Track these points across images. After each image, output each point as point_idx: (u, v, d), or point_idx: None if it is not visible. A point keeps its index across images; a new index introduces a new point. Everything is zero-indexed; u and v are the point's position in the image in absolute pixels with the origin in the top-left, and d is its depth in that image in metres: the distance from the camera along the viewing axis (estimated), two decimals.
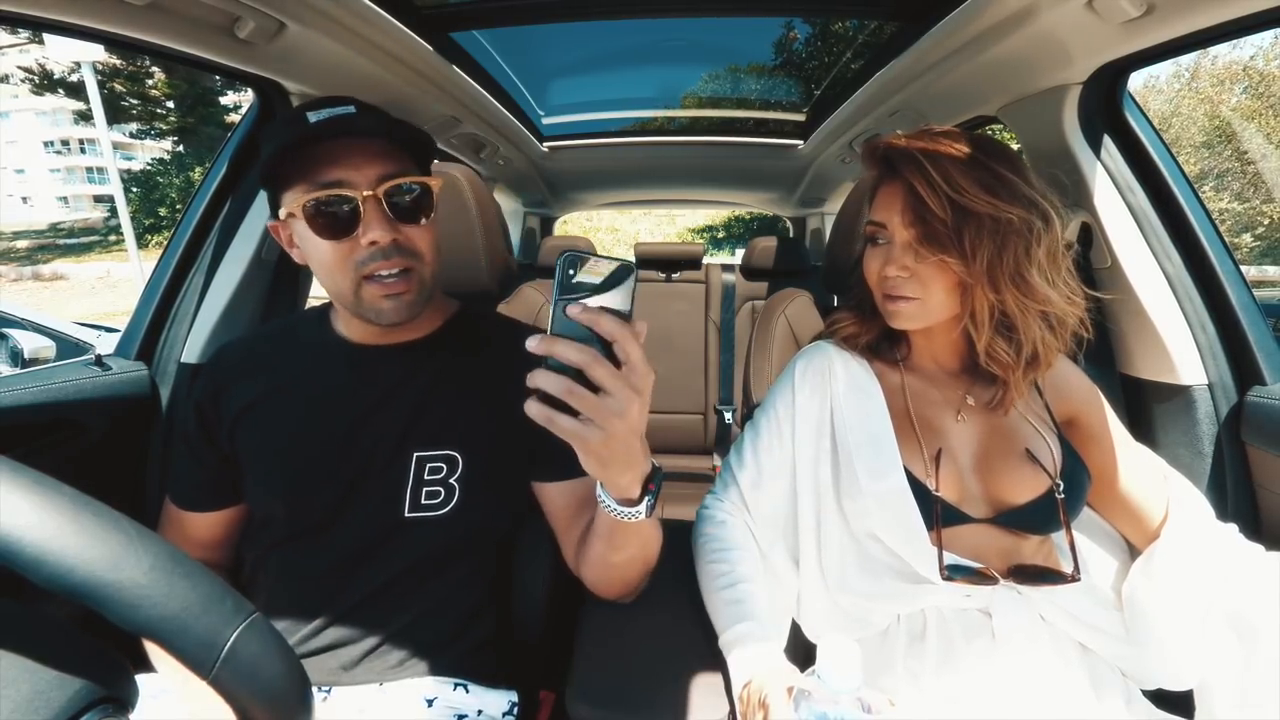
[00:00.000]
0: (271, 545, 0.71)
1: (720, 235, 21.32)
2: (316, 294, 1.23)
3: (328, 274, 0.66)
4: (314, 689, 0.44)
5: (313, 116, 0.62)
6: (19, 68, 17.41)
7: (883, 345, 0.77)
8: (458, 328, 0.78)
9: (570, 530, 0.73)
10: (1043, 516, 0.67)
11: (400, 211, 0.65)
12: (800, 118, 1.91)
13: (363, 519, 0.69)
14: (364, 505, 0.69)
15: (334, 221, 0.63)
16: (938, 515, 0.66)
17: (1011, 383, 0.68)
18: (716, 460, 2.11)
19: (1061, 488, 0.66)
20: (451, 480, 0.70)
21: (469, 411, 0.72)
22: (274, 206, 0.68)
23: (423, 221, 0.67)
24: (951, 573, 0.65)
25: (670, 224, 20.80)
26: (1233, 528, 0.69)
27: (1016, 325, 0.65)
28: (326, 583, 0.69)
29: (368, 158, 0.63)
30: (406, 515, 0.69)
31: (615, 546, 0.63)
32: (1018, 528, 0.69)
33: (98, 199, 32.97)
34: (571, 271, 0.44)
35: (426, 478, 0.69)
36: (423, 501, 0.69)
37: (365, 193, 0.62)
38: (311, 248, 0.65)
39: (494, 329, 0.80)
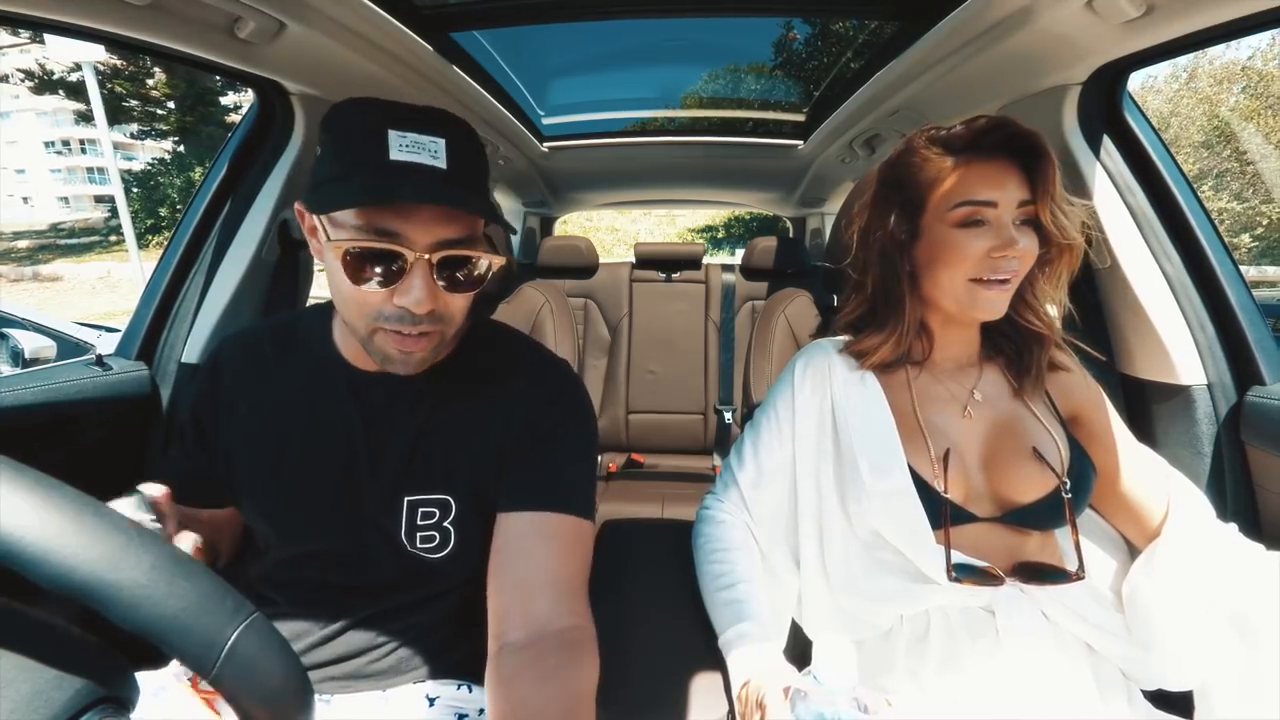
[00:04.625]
0: (275, 563, 0.70)
1: (720, 235, 21.29)
2: (317, 294, 1.23)
3: (343, 307, 0.60)
4: (315, 693, 0.44)
5: (395, 144, 0.53)
6: (19, 68, 17.40)
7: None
8: (464, 356, 0.71)
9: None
10: (1049, 514, 0.67)
11: (448, 280, 0.58)
12: (800, 118, 1.91)
13: (365, 550, 0.67)
14: (364, 539, 0.67)
15: (371, 273, 0.55)
16: (946, 515, 0.66)
17: (1054, 337, 0.72)
18: (717, 460, 2.11)
19: (1069, 486, 0.66)
20: (446, 524, 0.67)
21: (463, 451, 0.67)
22: (312, 192, 0.58)
23: (470, 291, 0.60)
24: (958, 573, 0.65)
25: (670, 224, 20.78)
26: (1232, 527, 0.69)
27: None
28: (329, 602, 0.68)
29: (434, 214, 0.55)
30: (408, 550, 0.67)
31: None
32: (1023, 525, 0.69)
33: (98, 199, 32.94)
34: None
35: (420, 522, 0.66)
36: (418, 544, 0.66)
37: (419, 254, 0.54)
38: (334, 275, 0.58)
39: (499, 353, 0.73)
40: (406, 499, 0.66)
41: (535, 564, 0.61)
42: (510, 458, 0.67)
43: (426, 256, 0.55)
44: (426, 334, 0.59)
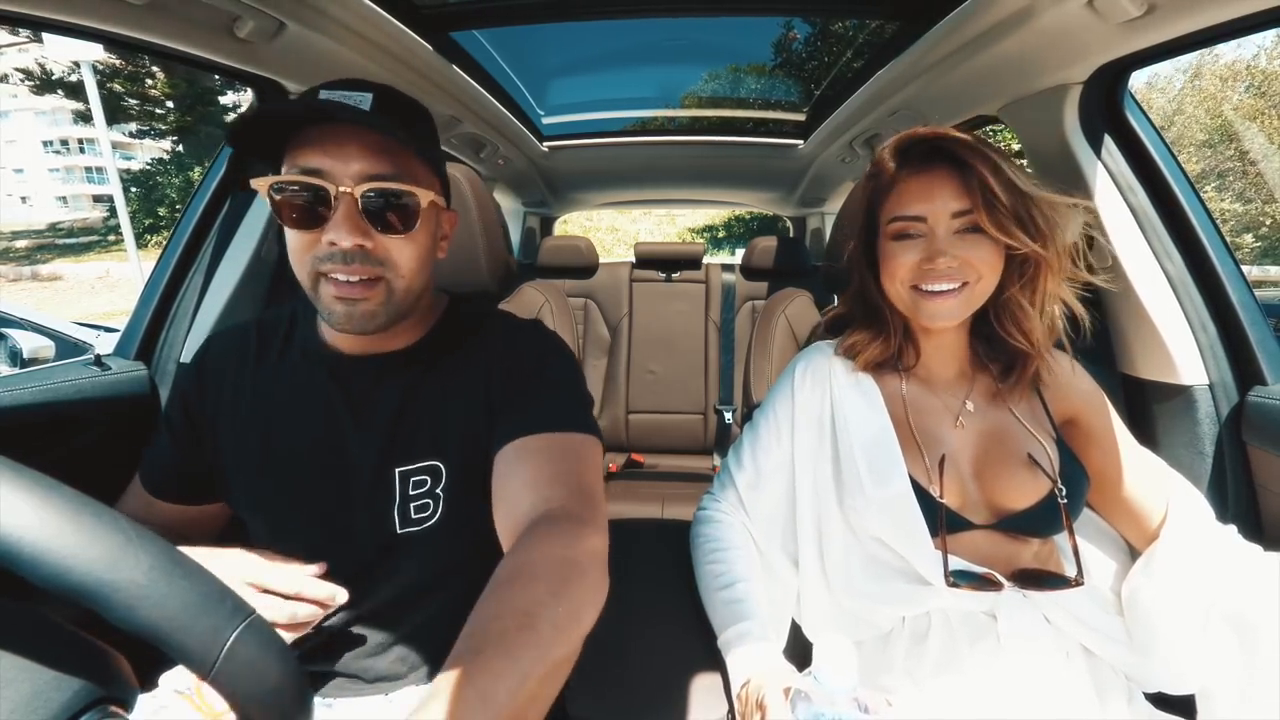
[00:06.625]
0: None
1: (720, 235, 21.29)
2: None
3: (291, 258, 0.62)
4: (317, 698, 0.44)
5: (324, 95, 0.58)
6: (18, 68, 17.39)
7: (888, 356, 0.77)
8: (443, 331, 0.73)
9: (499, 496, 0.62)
10: (1044, 520, 0.67)
11: (377, 218, 0.59)
12: (800, 117, 1.91)
13: (355, 537, 0.67)
14: (354, 524, 0.67)
15: (299, 211, 0.58)
16: (943, 522, 0.66)
17: (1040, 354, 0.70)
18: (717, 460, 2.11)
19: (1064, 491, 0.66)
20: (437, 490, 0.67)
21: (449, 419, 0.68)
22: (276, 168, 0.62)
23: (403, 232, 0.61)
24: (956, 579, 0.65)
25: (670, 224, 20.78)
26: (1231, 529, 0.69)
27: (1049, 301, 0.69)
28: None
29: (359, 151, 0.57)
30: (399, 532, 0.66)
31: None
32: (1020, 532, 0.69)
33: (97, 199, 32.92)
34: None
35: (412, 492, 0.67)
36: (412, 516, 0.67)
37: (343, 189, 0.57)
38: (286, 230, 0.61)
39: (478, 326, 0.75)
40: (397, 470, 0.66)
41: (526, 478, 0.60)
42: (498, 409, 0.67)
43: (350, 190, 0.57)
44: (368, 281, 0.60)
